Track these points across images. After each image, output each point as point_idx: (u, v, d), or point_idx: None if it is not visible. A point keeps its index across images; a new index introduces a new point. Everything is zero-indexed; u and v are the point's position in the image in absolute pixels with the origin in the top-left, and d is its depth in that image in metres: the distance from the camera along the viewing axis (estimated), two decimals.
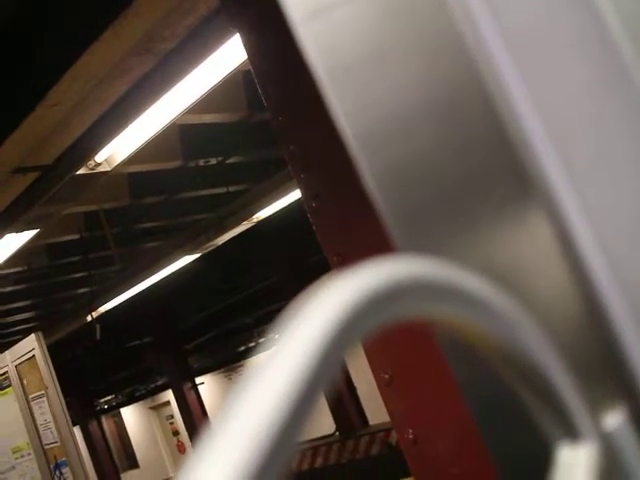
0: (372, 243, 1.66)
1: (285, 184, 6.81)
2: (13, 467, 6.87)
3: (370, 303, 0.33)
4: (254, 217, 7.83)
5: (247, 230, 8.25)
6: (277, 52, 2.46)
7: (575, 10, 0.53)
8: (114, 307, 9.81)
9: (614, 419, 0.47)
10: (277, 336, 0.32)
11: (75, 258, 8.26)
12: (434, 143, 0.55)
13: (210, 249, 8.71)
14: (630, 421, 0.47)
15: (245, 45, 2.68)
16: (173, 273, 9.08)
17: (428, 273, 0.35)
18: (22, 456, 6.79)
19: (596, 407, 0.47)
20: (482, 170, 0.52)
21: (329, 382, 0.30)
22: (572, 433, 0.43)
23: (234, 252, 9.37)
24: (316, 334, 0.30)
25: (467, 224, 0.54)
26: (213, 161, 6.38)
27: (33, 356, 6.41)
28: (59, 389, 6.30)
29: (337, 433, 11.43)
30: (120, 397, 20.51)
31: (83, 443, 16.78)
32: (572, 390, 0.43)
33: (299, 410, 0.28)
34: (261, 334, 14.95)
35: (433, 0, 0.53)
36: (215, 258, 9.20)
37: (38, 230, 5.78)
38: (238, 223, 7.97)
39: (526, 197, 0.49)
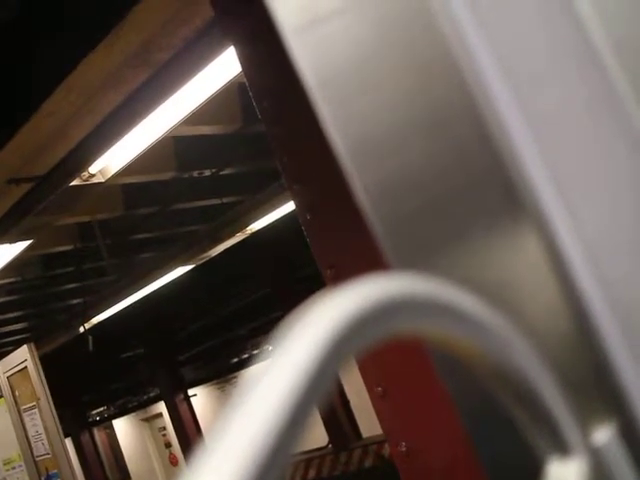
0: (366, 256, 1.66)
1: (279, 196, 6.81)
2: (4, 479, 6.83)
3: (363, 320, 0.33)
4: (248, 229, 7.83)
5: (241, 242, 8.24)
6: (271, 64, 2.47)
7: (565, 29, 0.53)
8: (107, 318, 9.78)
9: (603, 434, 0.48)
10: (271, 350, 0.32)
11: (69, 269, 8.24)
12: (426, 157, 0.55)
13: (204, 260, 8.70)
14: (619, 436, 0.48)
15: (239, 57, 2.69)
16: (167, 284, 9.06)
17: (420, 290, 0.36)
18: (13, 468, 6.75)
19: (586, 422, 0.47)
20: (473, 185, 0.52)
21: (323, 396, 0.30)
22: (562, 448, 0.44)
23: (228, 263, 9.36)
24: (310, 350, 0.30)
25: (458, 239, 0.54)
26: (207, 172, 6.38)
27: (25, 367, 6.38)
28: (51, 401, 6.27)
29: (330, 445, 11.39)
30: (112, 409, 20.40)
31: (75, 455, 16.68)
32: (562, 405, 0.43)
33: (293, 424, 0.28)
34: (254, 346, 14.91)
35: (424, 14, 0.53)
36: (209, 269, 9.19)
37: (31, 241, 5.77)
38: (232, 234, 7.97)
39: (516, 213, 0.49)
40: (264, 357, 0.32)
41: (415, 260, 0.57)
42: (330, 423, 10.93)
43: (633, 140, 0.53)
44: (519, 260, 0.50)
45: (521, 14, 0.53)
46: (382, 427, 2.37)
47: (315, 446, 11.59)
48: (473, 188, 0.52)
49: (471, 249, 0.53)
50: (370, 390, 2.31)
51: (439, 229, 0.56)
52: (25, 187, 4.64)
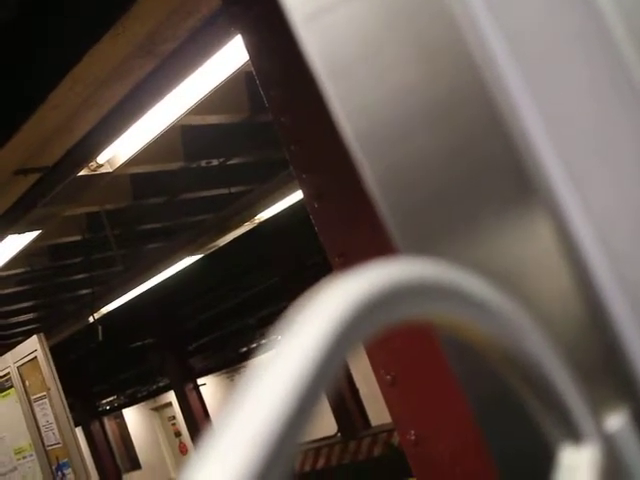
0: (374, 244, 1.66)
1: (287, 185, 6.81)
2: (15, 468, 6.88)
3: (372, 305, 0.33)
4: (256, 218, 7.83)
5: (249, 231, 8.25)
6: (278, 53, 2.46)
7: (576, 9, 0.53)
8: (116, 308, 9.82)
9: (616, 420, 0.47)
10: (279, 338, 0.32)
11: (77, 259, 8.27)
12: (435, 143, 0.55)
13: (212, 250, 8.71)
14: (632, 422, 0.47)
15: (246, 46, 2.68)
16: (175, 274, 9.08)
17: (430, 275, 0.35)
18: (24, 457, 6.80)
19: (598, 408, 0.47)
20: (483, 171, 0.52)
21: (331, 383, 0.30)
22: (574, 435, 0.43)
23: (236, 253, 9.38)
24: (318, 335, 0.30)
25: (469, 225, 0.54)
26: (215, 162, 6.39)
27: (35, 357, 6.41)
28: (61, 390, 6.30)
29: (339, 434, 11.43)
30: (122, 398, 20.51)
31: (85, 444, 16.79)
32: (574, 392, 0.43)
33: (301, 411, 0.28)
34: (264, 335, 14.95)
35: (434, 1, 0.53)
36: (217, 259, 9.20)
37: (40, 231, 5.78)
38: (240, 224, 7.97)
39: (527, 197, 0.49)
40: (273, 346, 0.32)
41: (425, 247, 0.57)
42: (339, 412, 10.96)
43: None
44: (531, 245, 0.50)
45: (534, 2, 0.52)
46: (391, 415, 2.37)
47: (324, 435, 11.63)
48: (483, 173, 0.52)
49: (482, 235, 0.53)
50: (379, 378, 2.31)
51: (449, 216, 0.55)
52: (33, 178, 4.65)
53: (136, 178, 6.59)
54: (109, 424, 20.65)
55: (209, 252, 8.77)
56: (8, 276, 8.07)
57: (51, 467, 6.49)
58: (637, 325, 0.48)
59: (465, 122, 0.53)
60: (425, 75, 0.55)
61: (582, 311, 0.48)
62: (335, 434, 11.54)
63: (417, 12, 0.55)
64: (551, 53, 0.52)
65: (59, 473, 6.40)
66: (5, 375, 6.84)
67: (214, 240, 8.36)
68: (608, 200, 0.50)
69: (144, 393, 20.02)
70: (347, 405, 10.98)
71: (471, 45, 0.51)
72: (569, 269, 0.48)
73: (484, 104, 0.50)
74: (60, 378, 6.36)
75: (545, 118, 0.49)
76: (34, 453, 6.66)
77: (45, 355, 6.33)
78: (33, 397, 6.59)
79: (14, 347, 6.80)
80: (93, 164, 4.89)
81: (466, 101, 0.52)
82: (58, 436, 6.37)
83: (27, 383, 6.65)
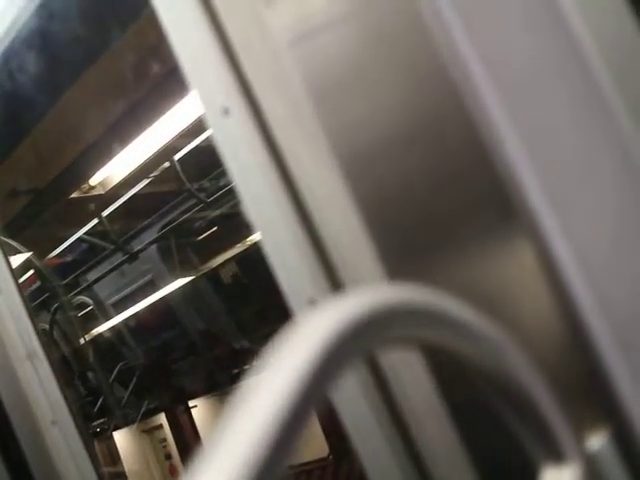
0: None
1: None
2: None
3: (358, 328, 0.33)
4: (248, 240, 7.81)
5: (241, 252, 8.22)
6: None
7: (557, 41, 0.54)
8: (107, 329, 9.74)
9: (598, 440, 0.48)
10: (269, 360, 0.33)
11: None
12: (419, 169, 0.56)
13: (204, 271, 8.67)
14: (613, 441, 0.48)
15: None
16: (169, 293, 9.02)
17: (415, 300, 0.36)
18: None
19: (580, 428, 0.48)
20: (467, 196, 0.53)
21: (319, 405, 0.31)
22: (556, 454, 0.44)
23: (228, 274, 9.33)
24: (306, 359, 0.31)
25: (453, 249, 0.55)
26: (207, 184, 6.39)
27: None
28: None
29: (331, 457, 11.32)
30: (112, 420, 20.29)
31: None
32: (556, 412, 0.44)
33: (289, 433, 0.28)
34: (255, 357, 14.79)
35: (416, 26, 0.54)
36: (209, 280, 9.15)
37: (31, 253, 5.76)
38: (232, 245, 7.95)
39: (510, 223, 0.50)
40: (263, 367, 0.33)
41: (410, 271, 0.58)
42: (331, 434, 10.85)
43: (626, 156, 0.53)
44: (513, 268, 0.51)
45: (513, 30, 0.53)
46: None
47: (315, 457, 11.49)
48: (467, 199, 0.53)
49: (466, 258, 0.54)
50: None
51: (433, 240, 0.56)
52: (24, 200, 4.63)
53: (129, 200, 6.57)
54: (99, 447, 20.43)
55: (202, 273, 8.73)
56: None
57: None
58: (617, 346, 0.49)
59: (449, 147, 0.54)
60: (407, 97, 0.56)
61: (564, 333, 0.49)
62: (327, 456, 11.42)
63: (400, 37, 0.56)
64: (532, 81, 0.53)
65: None
66: None
67: (206, 262, 8.33)
68: (588, 224, 0.51)
69: (134, 415, 19.82)
70: (339, 427, 10.88)
71: (452, 68, 0.52)
72: (550, 292, 0.49)
73: (467, 130, 0.52)
74: None
75: (527, 146, 0.50)
76: None
77: None
78: None
79: None
80: (85, 186, 4.89)
81: (450, 127, 0.54)
82: None
83: None
